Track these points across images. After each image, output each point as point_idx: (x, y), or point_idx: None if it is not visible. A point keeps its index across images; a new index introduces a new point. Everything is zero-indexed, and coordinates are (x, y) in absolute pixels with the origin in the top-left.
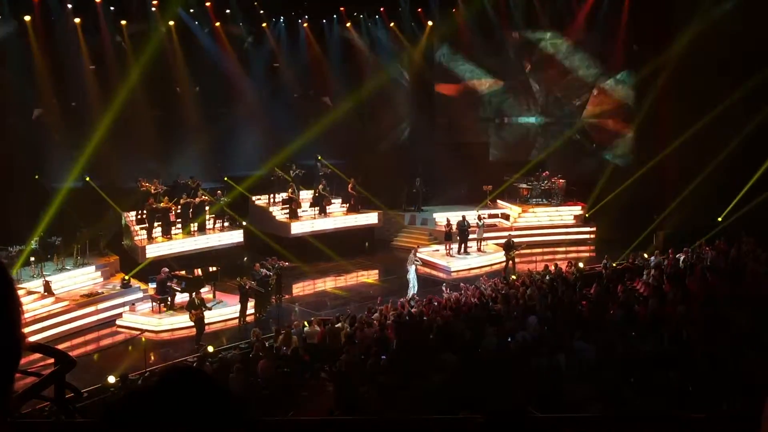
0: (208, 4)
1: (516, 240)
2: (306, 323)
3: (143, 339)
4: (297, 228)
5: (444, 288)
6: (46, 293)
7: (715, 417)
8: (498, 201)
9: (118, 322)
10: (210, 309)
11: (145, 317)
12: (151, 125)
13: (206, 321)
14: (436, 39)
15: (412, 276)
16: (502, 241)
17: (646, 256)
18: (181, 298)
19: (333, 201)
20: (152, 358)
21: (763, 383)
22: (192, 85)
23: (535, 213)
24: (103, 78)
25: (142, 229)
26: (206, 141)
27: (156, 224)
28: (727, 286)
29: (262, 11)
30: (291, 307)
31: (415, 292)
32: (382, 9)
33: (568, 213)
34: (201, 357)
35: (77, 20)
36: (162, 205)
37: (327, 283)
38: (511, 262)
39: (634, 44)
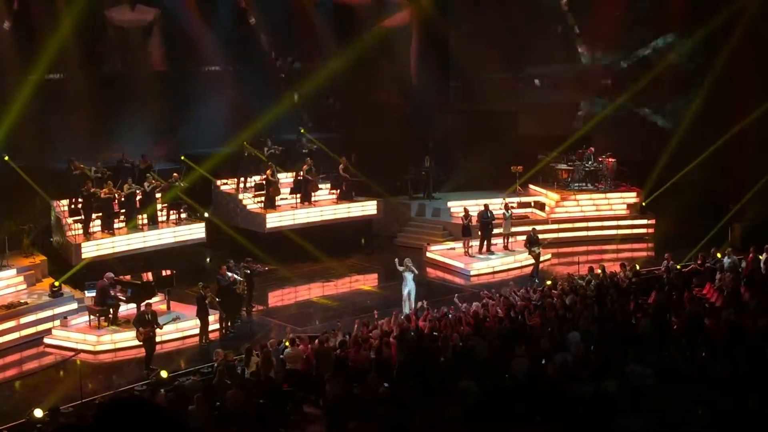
0: None
1: (541, 235)
2: (286, 342)
3: (78, 361)
4: (274, 220)
5: (456, 301)
6: None
7: None
8: (530, 186)
9: (46, 340)
10: (161, 327)
11: (80, 334)
12: (88, 91)
13: (158, 339)
14: None
15: (410, 288)
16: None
17: (719, 255)
18: (127, 309)
19: (320, 186)
20: (90, 386)
21: None
22: (141, 42)
23: (577, 201)
24: (26, 30)
25: (76, 222)
26: (159, 111)
27: (95, 216)
28: None
29: None
30: (266, 322)
31: (411, 309)
32: None
33: (620, 201)
34: (152, 385)
35: None
36: (102, 191)
37: (312, 291)
38: (539, 261)
39: None
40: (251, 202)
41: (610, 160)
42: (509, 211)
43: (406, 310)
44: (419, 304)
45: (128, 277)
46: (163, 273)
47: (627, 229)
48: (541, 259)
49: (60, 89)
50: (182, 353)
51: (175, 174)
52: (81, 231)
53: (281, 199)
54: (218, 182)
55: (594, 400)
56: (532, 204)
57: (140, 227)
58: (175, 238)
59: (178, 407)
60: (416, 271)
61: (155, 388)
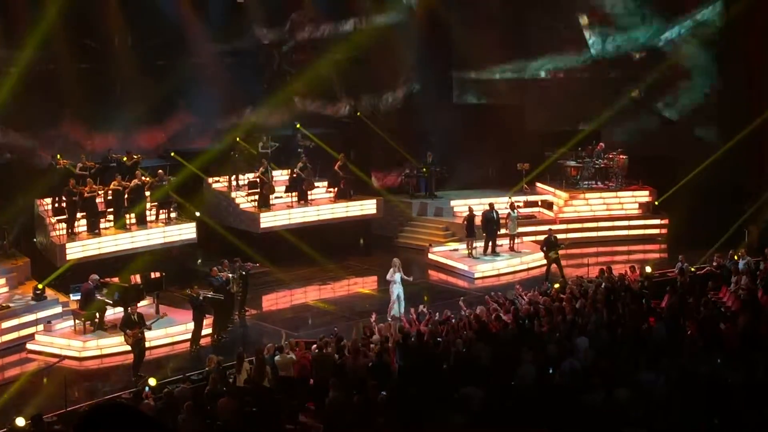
0: None
1: (559, 236)
2: (279, 348)
3: (63, 368)
4: (268, 220)
5: (461, 304)
6: None
7: None
8: (537, 184)
9: (28, 345)
10: (150, 329)
11: (65, 339)
12: (73, 83)
13: (147, 345)
14: None
15: (398, 291)
16: (542, 237)
17: (735, 257)
18: (114, 313)
19: (316, 184)
20: (75, 393)
21: None
22: (127, 30)
23: (587, 200)
24: (8, 20)
25: (61, 221)
26: (146, 104)
27: (80, 215)
28: None
29: None
30: (260, 327)
31: (401, 312)
32: None
33: (632, 200)
34: (139, 392)
35: None
36: (88, 189)
37: (308, 294)
38: (554, 264)
39: None
40: (244, 200)
41: (621, 156)
42: (515, 211)
43: (400, 311)
44: (420, 308)
45: (115, 279)
46: (152, 275)
47: (639, 230)
48: (562, 263)
49: (46, 81)
50: (171, 359)
51: (160, 171)
52: (65, 231)
53: (276, 197)
54: (210, 180)
55: (605, 408)
56: (540, 203)
57: (128, 227)
58: (164, 239)
59: (168, 416)
60: (406, 277)
61: (142, 395)
